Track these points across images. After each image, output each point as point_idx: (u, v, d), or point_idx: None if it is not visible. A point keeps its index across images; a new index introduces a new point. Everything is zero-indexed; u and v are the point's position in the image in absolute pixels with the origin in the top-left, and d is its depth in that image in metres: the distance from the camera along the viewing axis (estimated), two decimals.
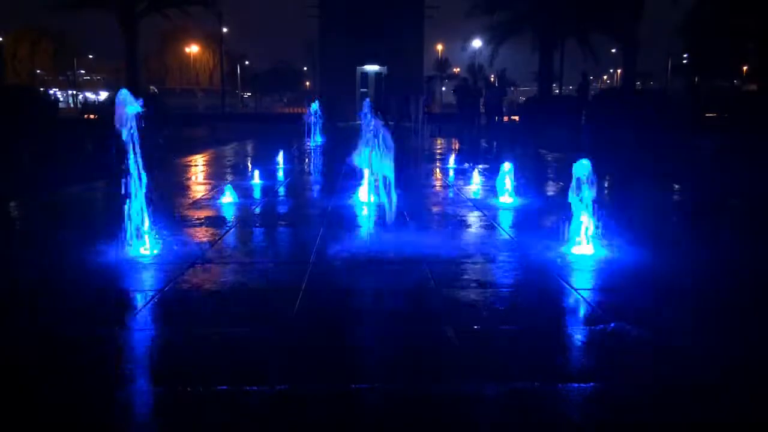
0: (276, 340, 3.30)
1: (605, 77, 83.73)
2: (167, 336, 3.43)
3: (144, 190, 4.87)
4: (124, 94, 4.72)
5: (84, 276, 4.51)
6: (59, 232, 6.20)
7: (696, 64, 40.38)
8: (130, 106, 4.69)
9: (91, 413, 2.56)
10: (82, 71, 73.64)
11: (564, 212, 5.23)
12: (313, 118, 18.36)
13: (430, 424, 2.49)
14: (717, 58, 35.88)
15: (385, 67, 36.31)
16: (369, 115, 5.86)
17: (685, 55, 48.18)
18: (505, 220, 6.82)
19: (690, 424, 2.51)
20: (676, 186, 9.65)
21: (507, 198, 7.75)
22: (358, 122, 6.36)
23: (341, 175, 10.05)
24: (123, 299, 4.06)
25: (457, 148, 17.85)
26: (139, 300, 4.02)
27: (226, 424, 2.44)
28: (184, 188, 9.46)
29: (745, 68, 43.68)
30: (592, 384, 2.81)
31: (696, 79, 39.64)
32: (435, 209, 7.69)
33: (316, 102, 19.14)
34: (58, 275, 4.56)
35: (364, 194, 7.11)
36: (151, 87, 44.69)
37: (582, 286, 4.36)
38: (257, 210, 7.40)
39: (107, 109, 5.71)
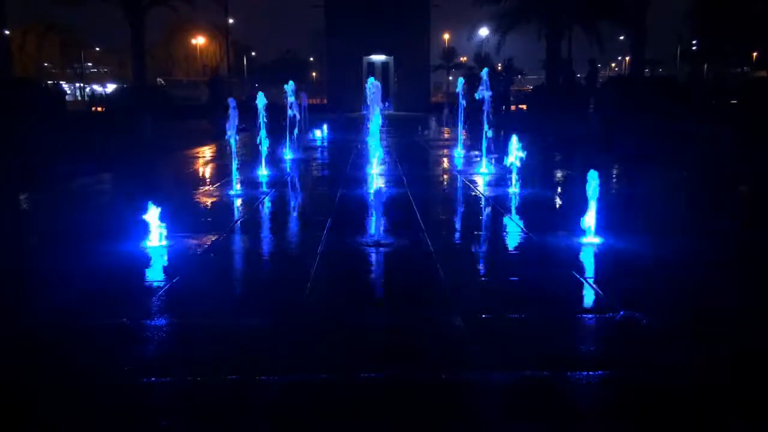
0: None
1: (613, 64, 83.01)
2: None
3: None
4: None
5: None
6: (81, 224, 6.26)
7: (704, 50, 40.02)
8: None
9: None
10: (89, 64, 73.66)
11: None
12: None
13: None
14: (726, 44, 35.54)
15: (392, 57, 36.18)
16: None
17: (693, 42, 47.75)
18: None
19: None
20: (683, 175, 9.62)
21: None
22: (366, 113, 6.52)
23: None
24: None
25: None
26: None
27: None
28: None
29: (755, 54, 43.20)
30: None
31: (705, 66, 39.30)
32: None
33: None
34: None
35: None
36: (159, 79, 44.81)
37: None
38: None
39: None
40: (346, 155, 12.56)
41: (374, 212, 5.36)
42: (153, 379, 2.84)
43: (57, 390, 2.72)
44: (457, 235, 5.94)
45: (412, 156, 13.14)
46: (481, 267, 4.84)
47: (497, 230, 6.09)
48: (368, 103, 7.54)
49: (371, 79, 7.66)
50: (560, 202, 7.60)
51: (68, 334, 3.35)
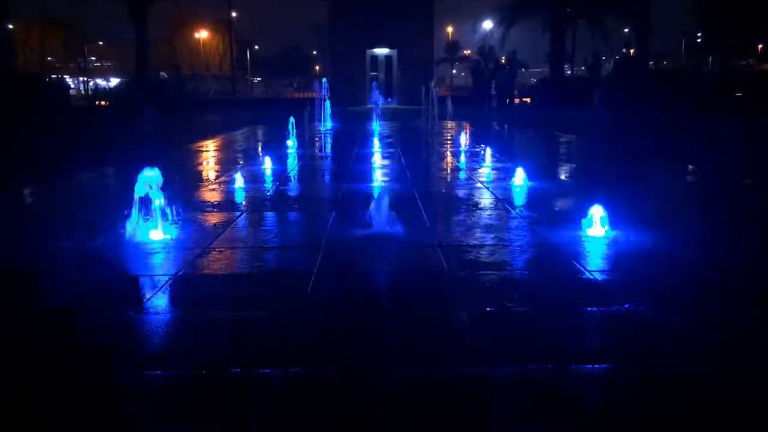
0: None
1: (617, 57, 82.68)
2: None
3: None
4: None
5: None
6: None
7: (709, 43, 39.84)
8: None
9: None
10: (93, 58, 73.75)
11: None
12: None
13: None
14: (731, 37, 35.36)
15: (395, 51, 36.08)
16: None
17: (698, 34, 47.54)
18: None
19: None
20: (688, 167, 9.59)
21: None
22: (370, 106, 6.22)
23: None
24: None
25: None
26: None
27: None
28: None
29: (759, 47, 43.00)
30: None
31: (711, 59, 39.13)
32: None
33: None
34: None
35: None
36: (162, 73, 44.81)
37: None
38: None
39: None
40: None
41: None
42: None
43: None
44: None
45: None
46: None
47: None
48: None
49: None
50: None
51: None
